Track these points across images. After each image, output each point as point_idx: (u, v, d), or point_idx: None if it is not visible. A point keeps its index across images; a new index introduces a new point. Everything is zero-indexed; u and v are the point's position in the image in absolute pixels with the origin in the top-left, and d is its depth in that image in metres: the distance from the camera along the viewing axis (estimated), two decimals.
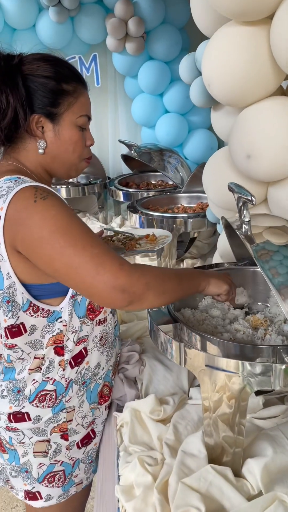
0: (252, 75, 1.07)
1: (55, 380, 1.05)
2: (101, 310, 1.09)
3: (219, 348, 0.89)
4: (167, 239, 1.41)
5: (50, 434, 1.07)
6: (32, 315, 0.99)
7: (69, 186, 2.64)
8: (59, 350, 1.03)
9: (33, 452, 1.07)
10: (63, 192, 2.63)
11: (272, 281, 0.85)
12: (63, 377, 1.05)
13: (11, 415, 1.05)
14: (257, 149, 1.14)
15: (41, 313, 1.00)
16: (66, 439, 1.09)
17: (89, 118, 1.08)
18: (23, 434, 1.06)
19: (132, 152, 2.56)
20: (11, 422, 1.05)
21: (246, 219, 1.01)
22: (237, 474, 0.93)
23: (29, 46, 2.79)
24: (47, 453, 1.08)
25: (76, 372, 1.07)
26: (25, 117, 0.97)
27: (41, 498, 1.10)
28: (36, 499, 1.10)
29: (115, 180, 2.74)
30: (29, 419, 1.05)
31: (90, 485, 1.25)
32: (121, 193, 2.57)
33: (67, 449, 1.10)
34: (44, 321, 1.01)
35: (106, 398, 1.17)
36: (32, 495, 1.11)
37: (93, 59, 2.86)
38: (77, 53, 2.84)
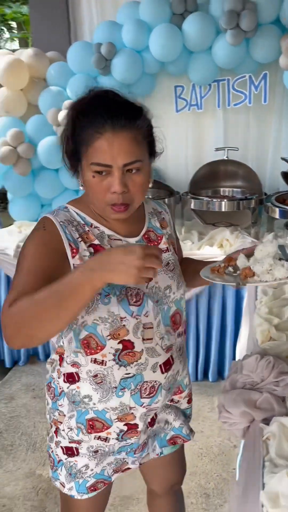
0: None
1: (54, 380, 1.21)
2: (98, 351, 1.07)
3: None
4: None
5: (50, 420, 1.24)
6: None
7: (225, 200, 2.73)
8: (60, 359, 1.18)
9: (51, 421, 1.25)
10: (217, 205, 2.72)
11: None
12: (58, 384, 1.19)
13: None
14: None
15: None
16: (56, 436, 1.22)
17: (106, 166, 0.97)
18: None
19: None
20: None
21: None
22: None
23: (203, 68, 2.95)
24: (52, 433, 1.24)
25: (68, 388, 1.17)
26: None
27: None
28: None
29: (273, 196, 2.75)
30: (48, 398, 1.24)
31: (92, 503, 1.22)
32: (277, 210, 2.57)
33: (55, 444, 1.22)
34: None
35: (98, 430, 1.15)
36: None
37: (263, 77, 2.90)
38: (247, 72, 2.91)
